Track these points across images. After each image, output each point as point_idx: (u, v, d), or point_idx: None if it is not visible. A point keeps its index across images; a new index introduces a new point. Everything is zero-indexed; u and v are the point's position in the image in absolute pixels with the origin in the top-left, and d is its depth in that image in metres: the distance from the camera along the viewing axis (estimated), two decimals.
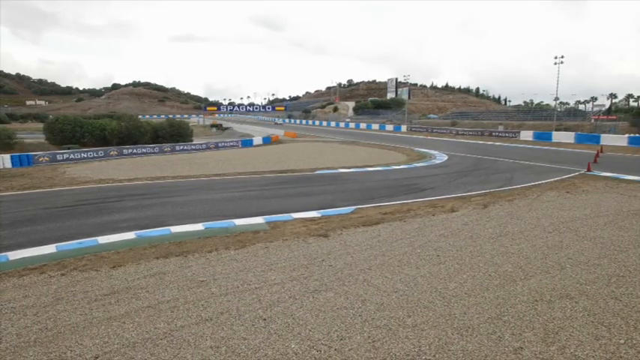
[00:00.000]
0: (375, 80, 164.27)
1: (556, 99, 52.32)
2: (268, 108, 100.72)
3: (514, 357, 4.79)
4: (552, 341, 5.09)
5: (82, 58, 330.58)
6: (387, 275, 7.27)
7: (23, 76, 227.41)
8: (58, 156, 25.52)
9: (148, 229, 10.50)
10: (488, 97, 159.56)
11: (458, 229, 10.28)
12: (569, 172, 19.78)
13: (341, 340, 5.18)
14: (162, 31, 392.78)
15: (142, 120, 42.05)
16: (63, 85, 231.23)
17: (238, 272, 7.49)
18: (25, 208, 13.27)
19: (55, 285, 7.01)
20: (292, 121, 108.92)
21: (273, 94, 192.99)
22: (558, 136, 37.56)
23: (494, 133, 44.52)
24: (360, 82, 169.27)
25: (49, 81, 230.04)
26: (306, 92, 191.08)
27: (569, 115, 68.87)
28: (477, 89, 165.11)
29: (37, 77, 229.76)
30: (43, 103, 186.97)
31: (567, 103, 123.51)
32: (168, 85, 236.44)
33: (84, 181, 18.52)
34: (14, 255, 8.55)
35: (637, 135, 32.79)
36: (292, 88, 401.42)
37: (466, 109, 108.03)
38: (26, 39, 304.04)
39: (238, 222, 11.08)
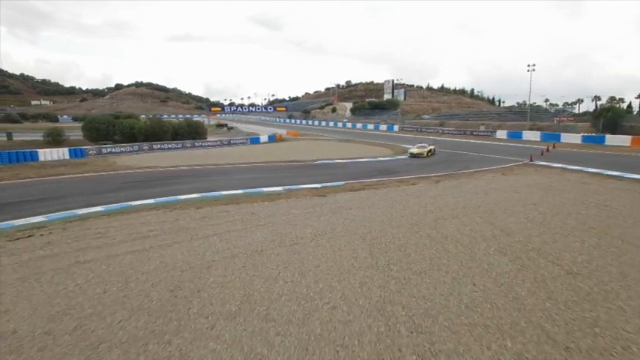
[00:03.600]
0: (372, 81, 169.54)
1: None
2: (270, 108, 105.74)
3: (416, 235, 10.06)
4: (436, 228, 10.41)
5: (79, 58, 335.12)
6: (359, 211, 12.59)
7: (27, 76, 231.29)
8: (102, 150, 30.77)
9: (206, 192, 15.80)
10: (482, 98, 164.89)
11: (412, 193, 15.61)
12: (516, 162, 25.11)
13: (332, 229, 10.50)
14: (160, 31, 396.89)
15: (164, 120, 47.15)
16: (66, 85, 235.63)
17: (273, 210, 12.82)
18: (111, 183, 18.56)
19: (169, 214, 12.32)
20: (293, 121, 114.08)
21: (273, 95, 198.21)
22: (527, 135, 42.92)
23: (474, 132, 49.87)
24: (358, 84, 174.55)
25: (52, 81, 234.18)
26: (306, 93, 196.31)
27: (557, 116, 74.41)
28: (472, 90, 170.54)
29: (34, 77, 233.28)
30: (47, 103, 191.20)
31: (557, 105, 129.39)
32: (169, 85, 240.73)
33: (137, 167, 23.82)
34: (132, 204, 13.85)
35: (591, 134, 38.10)
36: (292, 89, 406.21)
37: (459, 110, 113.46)
38: (23, 38, 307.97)
39: (265, 189, 16.40)
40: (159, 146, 34.92)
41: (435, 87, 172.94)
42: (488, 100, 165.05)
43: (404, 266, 7.87)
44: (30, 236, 10.07)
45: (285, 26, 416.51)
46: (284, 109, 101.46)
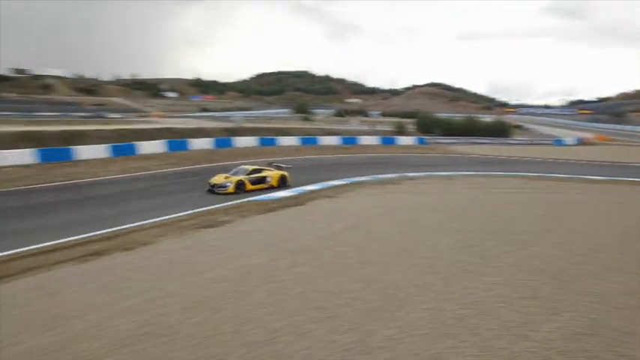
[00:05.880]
0: None
1: None
2: (570, 110, 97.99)
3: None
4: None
5: (376, 61, 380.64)
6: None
7: (342, 79, 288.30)
8: (438, 140, 41.30)
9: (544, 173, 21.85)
10: None
11: None
12: None
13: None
14: (446, 31, 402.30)
15: (477, 119, 54.59)
16: (368, 85, 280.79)
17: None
18: (465, 161, 27.24)
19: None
20: (597, 124, 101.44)
21: (571, 95, 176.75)
22: None
23: None
24: None
25: (358, 82, 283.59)
26: (621, 92, 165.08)
27: None
28: None
29: (345, 79, 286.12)
30: (357, 101, 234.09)
31: None
32: (454, 84, 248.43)
33: (471, 153, 32.33)
34: (428, 173, 21.55)
35: None
36: (598, 87, 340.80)
37: None
38: (337, 47, 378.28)
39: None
40: (474, 140, 42.73)
41: None
42: None
43: None
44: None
45: (590, 13, 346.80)
46: (588, 111, 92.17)
